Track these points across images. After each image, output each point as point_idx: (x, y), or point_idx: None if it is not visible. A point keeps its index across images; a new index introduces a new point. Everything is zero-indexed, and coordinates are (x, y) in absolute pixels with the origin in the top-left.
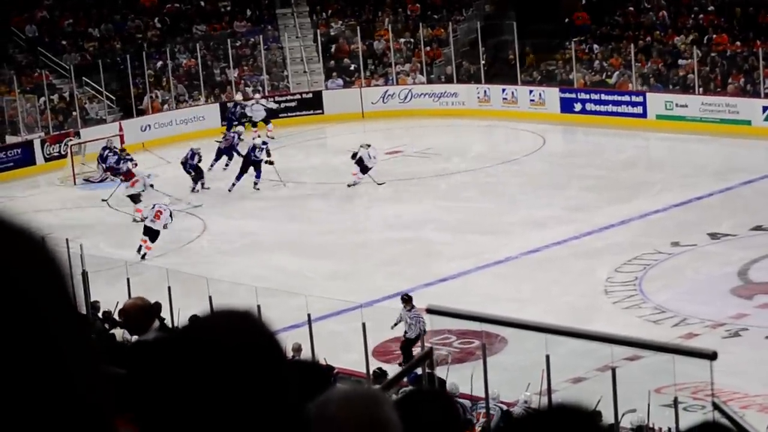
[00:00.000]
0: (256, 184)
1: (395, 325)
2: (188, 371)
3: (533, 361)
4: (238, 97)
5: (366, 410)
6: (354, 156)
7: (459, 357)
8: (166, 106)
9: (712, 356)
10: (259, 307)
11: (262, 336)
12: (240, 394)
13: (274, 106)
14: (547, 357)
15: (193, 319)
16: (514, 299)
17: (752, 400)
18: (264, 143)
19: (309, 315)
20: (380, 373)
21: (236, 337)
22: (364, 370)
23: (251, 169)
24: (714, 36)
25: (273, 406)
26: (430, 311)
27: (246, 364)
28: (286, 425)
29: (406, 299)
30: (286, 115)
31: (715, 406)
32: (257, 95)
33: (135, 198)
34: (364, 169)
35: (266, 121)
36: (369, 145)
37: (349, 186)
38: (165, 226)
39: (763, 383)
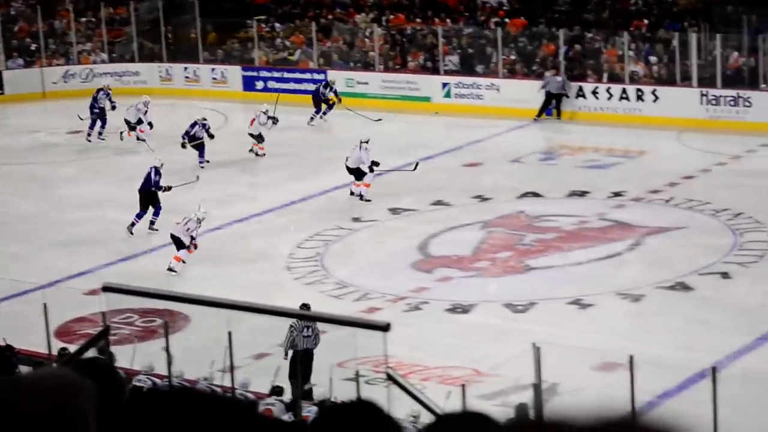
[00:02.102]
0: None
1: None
2: None
3: (216, 338)
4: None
5: (57, 394)
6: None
7: (142, 336)
8: None
9: (384, 328)
10: None
11: None
12: None
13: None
14: (230, 334)
15: None
16: (197, 277)
17: (432, 373)
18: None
19: None
20: (64, 354)
21: None
22: (46, 351)
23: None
24: (392, 15)
25: None
26: (107, 289)
27: None
28: None
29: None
30: None
31: (390, 378)
32: None
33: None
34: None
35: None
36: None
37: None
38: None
39: (441, 356)
